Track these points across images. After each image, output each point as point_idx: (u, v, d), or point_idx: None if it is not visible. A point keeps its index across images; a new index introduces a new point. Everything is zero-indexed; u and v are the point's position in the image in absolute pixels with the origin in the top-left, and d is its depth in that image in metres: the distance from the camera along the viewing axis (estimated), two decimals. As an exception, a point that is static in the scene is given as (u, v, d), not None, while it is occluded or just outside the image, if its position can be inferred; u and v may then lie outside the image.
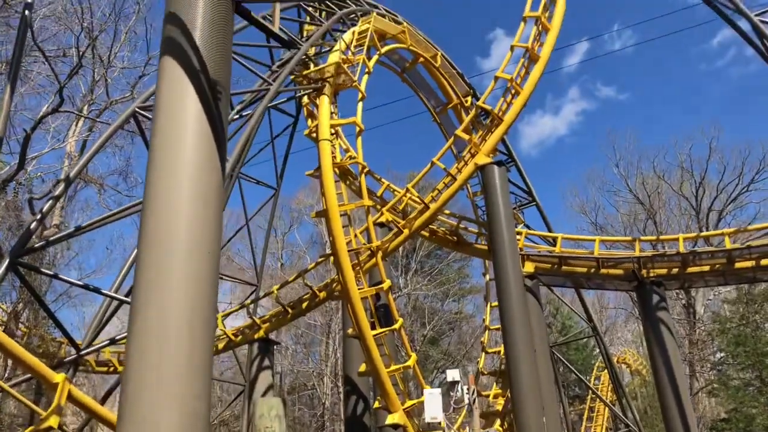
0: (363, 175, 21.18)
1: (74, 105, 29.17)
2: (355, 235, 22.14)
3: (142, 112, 15.87)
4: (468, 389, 12.71)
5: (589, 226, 56.72)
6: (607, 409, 39.45)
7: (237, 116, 19.21)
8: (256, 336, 24.06)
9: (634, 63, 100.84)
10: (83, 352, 13.20)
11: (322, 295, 23.85)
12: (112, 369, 23.32)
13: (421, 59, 27.00)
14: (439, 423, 11.96)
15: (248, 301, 25.52)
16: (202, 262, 4.86)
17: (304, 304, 24.34)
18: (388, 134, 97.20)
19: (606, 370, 38.42)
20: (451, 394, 12.97)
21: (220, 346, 24.64)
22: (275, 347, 29.41)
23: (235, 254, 58.33)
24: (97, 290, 13.88)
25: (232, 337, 24.23)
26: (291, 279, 26.81)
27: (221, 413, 40.17)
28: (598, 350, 46.42)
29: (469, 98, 28.83)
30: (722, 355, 45.78)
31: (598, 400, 39.54)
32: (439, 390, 12.40)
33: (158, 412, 4.45)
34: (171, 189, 4.98)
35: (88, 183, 28.48)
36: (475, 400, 12.62)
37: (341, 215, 19.69)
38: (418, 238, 40.77)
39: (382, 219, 24.19)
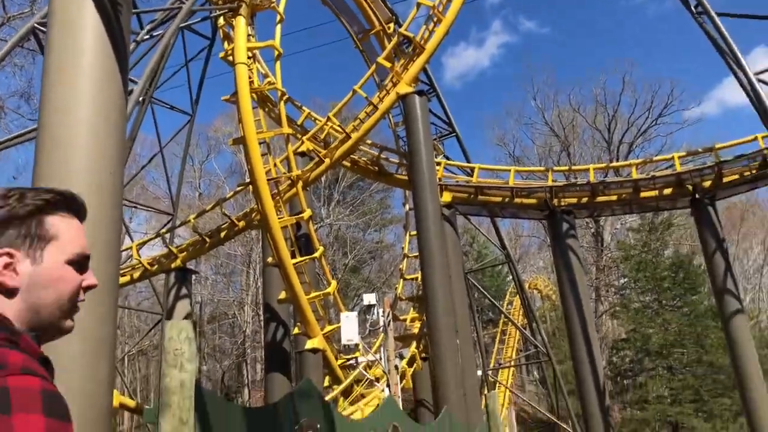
0: (282, 102, 20.71)
1: (-35, 20, 26.84)
2: (275, 164, 21.83)
3: (43, 28, 14.76)
4: (383, 313, 13.00)
5: (506, 158, 58.13)
6: (518, 332, 41.59)
7: (147, 36, 18.22)
8: (173, 265, 23.67)
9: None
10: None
11: (241, 224, 23.59)
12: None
13: (342, -19, 26.21)
14: (356, 345, 12.25)
15: (164, 230, 24.95)
16: (103, 182, 4.65)
17: (223, 234, 24.03)
18: (311, 61, 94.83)
19: (518, 296, 40.27)
20: (367, 317, 13.25)
21: (136, 275, 24.16)
22: (194, 277, 29.11)
23: (150, 183, 56.71)
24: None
25: (148, 267, 23.76)
26: (209, 208, 26.34)
27: (139, 342, 39.78)
28: (511, 277, 48.42)
29: (391, 25, 28.34)
30: (625, 280, 48.82)
31: (509, 323, 41.56)
32: (355, 313, 12.65)
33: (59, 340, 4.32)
34: (68, 105, 4.69)
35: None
36: (390, 323, 12.94)
37: (260, 143, 19.31)
38: (340, 169, 40.62)
39: (303, 148, 23.87)
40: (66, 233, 1.34)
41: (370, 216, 52.59)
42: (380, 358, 12.59)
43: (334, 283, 20.43)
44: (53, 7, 5.18)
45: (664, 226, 48.34)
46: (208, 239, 23.87)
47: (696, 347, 38.43)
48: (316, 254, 19.96)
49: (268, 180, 19.55)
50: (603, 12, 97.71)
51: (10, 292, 1.25)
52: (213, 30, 27.08)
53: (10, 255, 1.26)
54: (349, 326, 12.08)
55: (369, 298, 13.19)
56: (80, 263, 1.34)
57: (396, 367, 12.66)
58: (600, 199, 23.03)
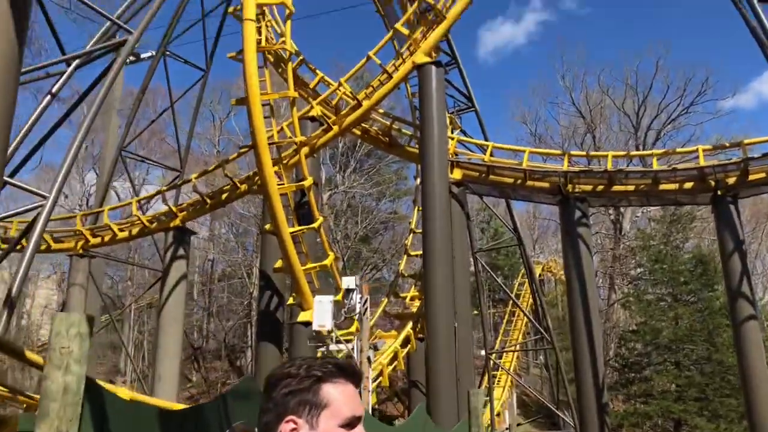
0: (290, 63, 19.85)
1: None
2: (281, 129, 21.07)
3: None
4: (361, 299, 12.28)
5: (528, 137, 56.75)
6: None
7: (152, -15, 17.42)
8: (172, 224, 23.16)
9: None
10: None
11: (243, 187, 22.96)
12: None
13: (367, -58, 25.02)
14: (329, 331, 11.60)
15: (164, 187, 24.45)
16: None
17: (224, 196, 23.42)
18: (337, 23, 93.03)
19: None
20: (345, 302, 12.57)
21: (134, 231, 23.72)
22: (207, 234, 28.66)
23: (171, 136, 56.42)
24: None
25: (147, 224, 23.27)
26: (211, 168, 25.75)
27: (139, 298, 40.04)
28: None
29: (415, -10, 27.13)
30: (641, 270, 47.59)
31: (520, 303, 40.82)
32: (330, 298, 11.92)
33: None
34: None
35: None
36: (366, 310, 12.24)
37: (263, 105, 18.53)
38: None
39: (313, 113, 23.09)
40: (338, 399, 1.56)
41: (385, 186, 51.79)
42: (353, 348, 11.95)
43: (332, 255, 19.81)
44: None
45: (687, 218, 46.92)
46: (208, 200, 23.26)
47: (706, 344, 37.34)
48: (315, 224, 19.30)
49: (271, 144, 18.84)
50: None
51: None
52: (232, -16, 26.25)
53: (294, 422, 1.53)
54: (322, 311, 11.39)
55: (348, 282, 12.41)
56: (351, 424, 1.57)
57: (369, 359, 12.02)
58: (617, 188, 21.92)
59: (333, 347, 12.32)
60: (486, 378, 32.15)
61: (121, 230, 23.62)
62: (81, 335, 4.51)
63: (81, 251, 23.61)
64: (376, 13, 27.91)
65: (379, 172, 51.53)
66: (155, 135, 55.71)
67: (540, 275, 53.23)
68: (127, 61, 37.70)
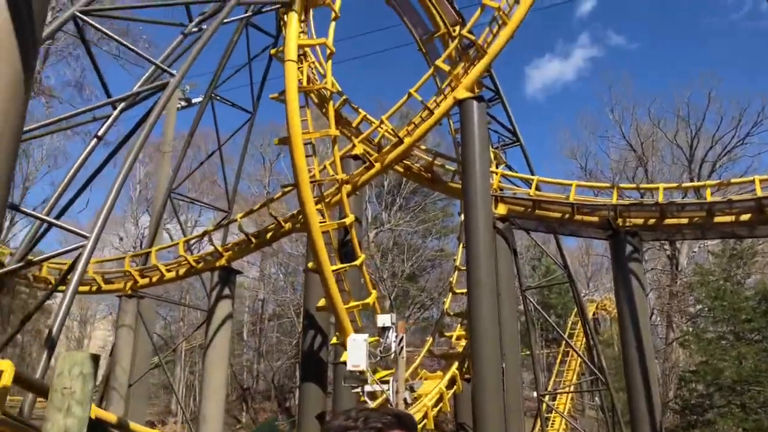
0: (331, 102, 19.99)
1: None
2: (324, 167, 21.16)
3: (84, 17, 14.51)
4: (396, 337, 11.88)
5: (578, 171, 55.74)
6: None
7: (196, 29, 17.86)
8: (218, 264, 23.35)
9: (646, 12, 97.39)
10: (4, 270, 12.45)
11: (288, 226, 23.04)
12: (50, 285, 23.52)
13: (407, -19, 25.33)
14: (362, 371, 11.23)
15: (211, 227, 24.75)
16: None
17: (269, 235, 23.55)
18: (382, 62, 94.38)
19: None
20: (381, 341, 12.19)
21: (181, 272, 24.00)
22: (253, 276, 28.83)
23: (220, 178, 57.50)
24: (23, 211, 12.96)
25: (194, 264, 23.52)
26: (256, 208, 26.01)
27: (186, 338, 40.23)
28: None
29: (457, 28, 27.18)
30: (700, 307, 45.59)
31: (573, 343, 39.48)
32: (364, 336, 11.56)
33: None
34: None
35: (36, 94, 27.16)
36: (402, 348, 11.83)
37: (305, 144, 18.65)
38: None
39: (356, 151, 23.14)
40: None
41: (431, 223, 51.47)
42: (389, 389, 11.54)
43: (374, 293, 19.56)
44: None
45: (748, 253, 44.91)
46: (253, 239, 23.41)
47: (775, 386, 35.21)
48: (357, 262, 19.14)
49: (313, 182, 18.91)
50: (694, 28, 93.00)
51: None
52: (278, 28, 26.83)
53: None
54: (356, 350, 11.03)
55: (383, 320, 12.03)
56: None
57: (405, 401, 11.56)
58: (669, 221, 21.06)
59: (368, 388, 11.93)
60: (539, 421, 30.99)
61: (168, 270, 23.92)
62: (84, 375, 4.30)
63: (129, 292, 23.97)
64: (418, 51, 28.04)
65: (425, 210, 51.30)
66: (207, 177, 57.06)
67: (594, 313, 51.62)
68: (179, 105, 38.86)
